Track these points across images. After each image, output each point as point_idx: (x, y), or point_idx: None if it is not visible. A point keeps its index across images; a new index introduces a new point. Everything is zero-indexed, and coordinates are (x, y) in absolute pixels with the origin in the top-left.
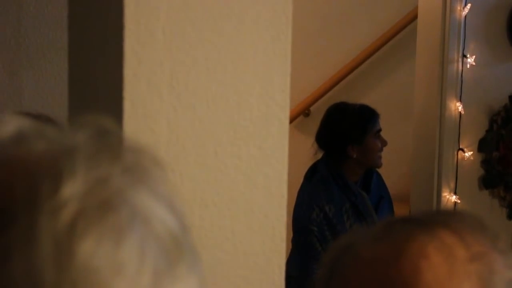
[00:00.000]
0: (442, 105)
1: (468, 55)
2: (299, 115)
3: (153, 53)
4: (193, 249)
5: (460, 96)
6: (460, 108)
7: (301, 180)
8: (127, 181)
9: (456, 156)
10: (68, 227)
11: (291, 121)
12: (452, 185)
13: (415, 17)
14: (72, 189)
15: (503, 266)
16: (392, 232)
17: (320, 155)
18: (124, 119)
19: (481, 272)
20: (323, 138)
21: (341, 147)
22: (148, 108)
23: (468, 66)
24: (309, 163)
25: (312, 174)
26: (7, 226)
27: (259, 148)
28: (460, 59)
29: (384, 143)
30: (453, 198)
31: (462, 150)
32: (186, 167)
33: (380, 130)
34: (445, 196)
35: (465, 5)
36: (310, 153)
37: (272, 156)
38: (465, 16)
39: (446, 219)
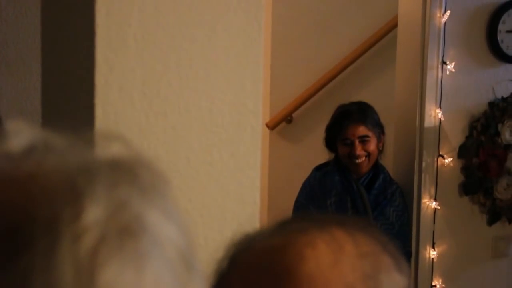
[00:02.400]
0: (422, 112)
1: (447, 62)
2: (281, 122)
3: (125, 60)
4: (199, 267)
5: (440, 103)
6: (440, 115)
7: (284, 185)
8: (144, 204)
9: (436, 163)
10: (90, 254)
11: (273, 127)
12: (432, 191)
13: (396, 25)
14: (94, 214)
15: (389, 268)
16: (287, 227)
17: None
18: (95, 126)
19: (367, 269)
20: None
21: (328, 147)
22: (119, 114)
23: (448, 72)
24: (292, 169)
25: (324, 166)
26: (25, 250)
27: (232, 155)
28: (439, 66)
29: (354, 151)
30: (433, 204)
31: (442, 156)
32: None
33: (347, 138)
34: (425, 203)
35: (445, 11)
36: (292, 159)
37: (244, 163)
38: (445, 23)
39: (342, 220)
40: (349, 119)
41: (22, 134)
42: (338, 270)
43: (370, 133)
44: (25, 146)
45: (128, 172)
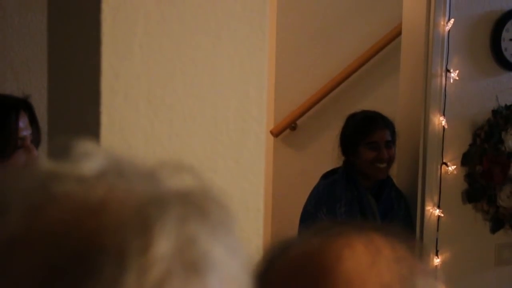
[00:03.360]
0: (425, 119)
1: (451, 70)
2: (285, 129)
3: (130, 67)
4: None
5: (444, 111)
6: (443, 122)
7: (288, 192)
8: (213, 241)
9: (439, 170)
10: (155, 287)
11: (277, 134)
12: (436, 199)
13: (400, 32)
14: (162, 248)
15: (424, 272)
16: (325, 231)
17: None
18: (101, 133)
19: (403, 272)
20: (339, 140)
21: (345, 153)
22: (125, 122)
23: (452, 80)
24: (297, 176)
25: (331, 174)
26: (92, 277)
27: (236, 162)
28: (443, 74)
29: (383, 155)
30: (437, 212)
31: (446, 164)
32: None
33: (375, 142)
34: (428, 210)
35: (449, 20)
36: (296, 166)
37: (248, 170)
38: (449, 31)
39: (379, 227)
40: (375, 123)
41: (95, 157)
42: (375, 271)
43: (391, 139)
44: (98, 170)
45: (199, 207)
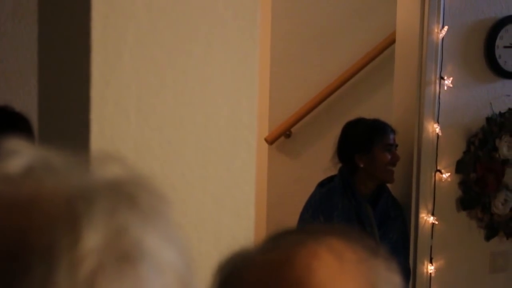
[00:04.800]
0: (419, 127)
1: (445, 77)
2: (280, 136)
3: (121, 76)
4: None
5: (438, 118)
6: (437, 130)
7: (283, 200)
8: (144, 230)
9: (433, 178)
10: (87, 282)
11: (272, 142)
12: (430, 206)
13: (394, 40)
14: (92, 241)
15: (385, 270)
16: (281, 241)
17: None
18: (91, 141)
19: (368, 272)
20: (337, 147)
21: (349, 156)
22: (115, 130)
23: (446, 88)
24: (291, 184)
25: (327, 182)
26: (23, 276)
27: (227, 169)
28: (437, 81)
29: (396, 158)
30: (431, 219)
31: (440, 171)
32: None
33: (391, 144)
34: (422, 217)
35: (443, 27)
36: (291, 174)
37: (240, 177)
38: (443, 38)
39: (330, 230)
40: (389, 127)
41: (21, 154)
42: (346, 277)
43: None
44: (24, 167)
45: (128, 196)
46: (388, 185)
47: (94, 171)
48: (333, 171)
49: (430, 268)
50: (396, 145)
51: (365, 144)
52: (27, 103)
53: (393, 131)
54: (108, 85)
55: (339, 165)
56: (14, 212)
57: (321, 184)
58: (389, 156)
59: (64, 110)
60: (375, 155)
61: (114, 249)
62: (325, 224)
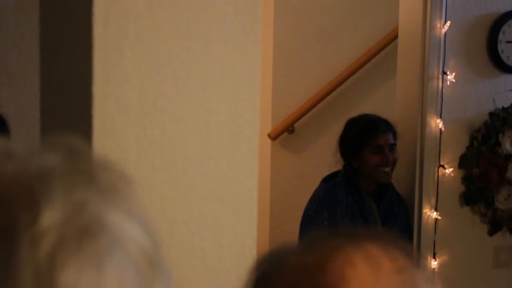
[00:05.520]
0: (422, 122)
1: (448, 72)
2: (283, 132)
3: (122, 71)
4: (165, 266)
5: (441, 113)
6: (440, 125)
7: (286, 196)
8: (103, 205)
9: (436, 173)
10: (48, 257)
11: (275, 138)
12: (433, 201)
13: (396, 35)
14: (50, 217)
15: (423, 280)
16: (319, 243)
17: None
18: (93, 137)
19: (405, 283)
20: (338, 145)
21: (346, 157)
22: (117, 125)
23: (448, 83)
24: (294, 179)
25: (331, 178)
26: None
27: (229, 165)
28: (440, 76)
29: (387, 159)
30: (434, 214)
31: (443, 166)
32: (155, 184)
33: (380, 146)
34: (426, 213)
35: (445, 22)
36: (294, 169)
37: (241, 173)
38: (445, 33)
39: (372, 234)
40: (379, 128)
41: None
42: (381, 287)
43: (395, 142)
44: None
45: (86, 175)
46: (392, 180)
47: (55, 155)
48: (336, 166)
49: (434, 264)
50: (392, 144)
51: (354, 147)
52: (29, 99)
53: (389, 130)
54: (110, 81)
55: (343, 161)
56: None
57: (325, 180)
58: (378, 158)
59: (66, 106)
60: (365, 158)
61: (73, 224)
62: (365, 228)
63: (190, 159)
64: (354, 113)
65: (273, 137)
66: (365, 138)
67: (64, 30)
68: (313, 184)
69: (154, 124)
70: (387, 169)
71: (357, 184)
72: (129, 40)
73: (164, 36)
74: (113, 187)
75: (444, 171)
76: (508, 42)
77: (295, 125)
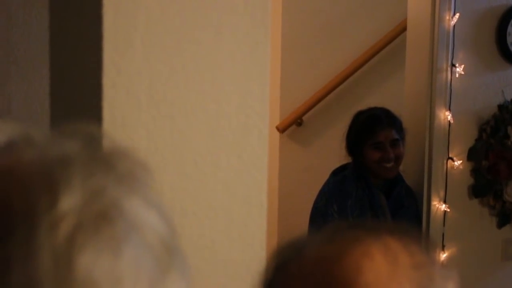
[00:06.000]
0: (431, 114)
1: (457, 64)
2: (291, 125)
3: (132, 63)
4: (182, 253)
5: (449, 105)
6: (449, 117)
7: (294, 188)
8: (121, 191)
9: (445, 165)
10: (66, 241)
11: (283, 130)
12: (442, 194)
13: (405, 28)
14: (69, 202)
15: (441, 277)
16: (339, 234)
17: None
18: (103, 129)
19: (422, 280)
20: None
21: (350, 152)
22: (127, 117)
23: (457, 75)
24: (302, 172)
25: (341, 170)
26: (5, 239)
27: (239, 157)
28: (449, 68)
29: (388, 155)
30: (443, 207)
31: (452, 159)
32: (165, 176)
33: (380, 142)
34: (434, 205)
35: (454, 14)
36: (302, 162)
37: (251, 165)
38: (454, 26)
39: (392, 228)
40: (380, 123)
41: (2, 130)
42: (396, 282)
43: (398, 137)
44: (5, 141)
45: (105, 162)
46: (401, 173)
47: (74, 142)
48: (346, 159)
49: (442, 256)
50: (395, 140)
51: (356, 142)
52: (38, 91)
53: (392, 126)
54: (120, 72)
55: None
56: None
57: (335, 173)
58: (379, 154)
59: (76, 98)
60: (366, 154)
61: (92, 209)
62: (387, 222)
63: (200, 151)
64: (362, 106)
65: (282, 129)
66: (365, 134)
67: (74, 22)
68: (321, 176)
69: (164, 116)
70: (388, 165)
71: (366, 177)
72: (139, 32)
73: (174, 27)
74: (131, 174)
75: (453, 163)
76: None
77: (304, 118)
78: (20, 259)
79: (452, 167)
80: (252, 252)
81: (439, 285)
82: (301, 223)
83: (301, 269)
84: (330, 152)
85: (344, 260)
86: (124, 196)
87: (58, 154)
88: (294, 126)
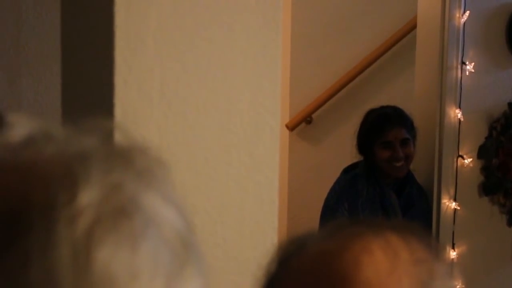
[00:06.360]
0: (441, 112)
1: (467, 62)
2: (301, 123)
3: (144, 60)
4: (198, 249)
5: (460, 103)
6: (459, 115)
7: (303, 186)
8: (139, 186)
9: (455, 163)
10: (85, 235)
11: (293, 128)
12: (452, 191)
13: (415, 25)
14: (88, 196)
15: (442, 274)
16: (341, 230)
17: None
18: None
19: (422, 276)
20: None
21: (360, 151)
22: (138, 114)
23: (467, 73)
24: (312, 170)
25: (352, 168)
26: (24, 233)
27: (250, 154)
28: (459, 66)
29: (398, 154)
30: (453, 205)
31: (462, 157)
32: (176, 174)
33: (389, 141)
34: (444, 203)
35: (464, 12)
36: (312, 160)
37: (263, 162)
38: (464, 23)
39: (395, 225)
40: (390, 122)
41: (22, 125)
42: (395, 278)
43: (409, 136)
44: (25, 136)
45: (123, 158)
46: (413, 172)
47: (93, 138)
48: (357, 157)
49: (452, 254)
50: (405, 139)
51: (366, 141)
52: (49, 89)
53: (402, 125)
54: (131, 70)
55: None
56: (12, 176)
57: (346, 171)
58: (388, 153)
59: (88, 95)
60: (376, 153)
61: (110, 204)
62: (391, 219)
63: (212, 148)
64: (372, 104)
65: (291, 127)
66: (375, 133)
67: (86, 20)
68: (331, 174)
69: (176, 113)
70: (398, 164)
71: (377, 175)
72: (151, 29)
73: (186, 25)
74: (149, 170)
75: (463, 161)
76: None
77: (313, 116)
78: (39, 252)
79: (462, 165)
80: (263, 249)
81: (439, 282)
82: (310, 221)
83: (301, 264)
84: (340, 150)
85: (344, 255)
86: (142, 191)
87: (77, 149)
88: (303, 124)
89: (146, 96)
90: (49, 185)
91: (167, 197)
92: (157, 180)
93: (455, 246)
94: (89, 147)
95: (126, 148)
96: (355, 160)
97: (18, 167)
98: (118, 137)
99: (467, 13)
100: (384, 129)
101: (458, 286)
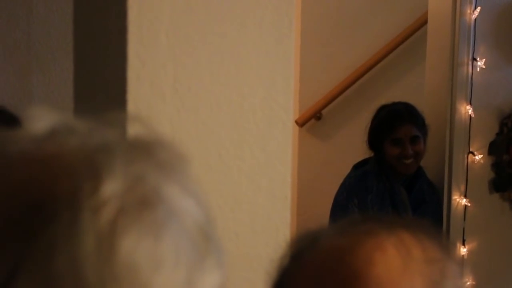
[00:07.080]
0: (452, 108)
1: (478, 58)
2: (310, 119)
3: (157, 56)
4: (218, 241)
5: (470, 99)
6: (470, 111)
7: (313, 183)
8: (161, 178)
9: (466, 159)
10: (109, 225)
11: (302, 124)
12: (463, 188)
13: (426, 21)
14: (111, 187)
15: (454, 274)
16: (354, 227)
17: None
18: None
19: (434, 275)
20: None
21: (371, 147)
22: (151, 110)
23: (478, 69)
24: (321, 166)
25: (362, 164)
26: (49, 223)
27: (263, 150)
28: (470, 62)
29: (407, 151)
30: (464, 201)
31: (472, 153)
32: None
33: (399, 138)
34: (455, 199)
35: (475, 8)
36: (322, 156)
37: (275, 158)
38: (475, 19)
39: (408, 223)
40: (400, 119)
41: (45, 118)
42: (407, 276)
43: (419, 133)
44: (48, 129)
45: (145, 150)
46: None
47: (115, 131)
48: (367, 153)
49: (463, 250)
50: (415, 136)
51: (376, 138)
52: (59, 85)
53: (412, 122)
54: (144, 65)
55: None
56: (37, 167)
57: (356, 167)
58: (397, 150)
59: (100, 90)
60: (385, 149)
61: (133, 195)
62: (407, 217)
63: (224, 144)
64: (382, 100)
65: (301, 123)
66: (384, 130)
67: (98, 15)
68: (341, 171)
69: (188, 109)
70: (407, 161)
71: (388, 172)
72: (164, 25)
73: (199, 20)
74: (170, 163)
75: (473, 157)
76: None
77: (323, 112)
78: (64, 242)
79: (473, 161)
80: (276, 245)
81: (451, 281)
82: (320, 217)
83: (314, 259)
84: (349, 146)
85: (356, 252)
86: (163, 183)
87: (100, 141)
88: (313, 120)
89: (159, 92)
90: (73, 176)
91: (187, 189)
92: (177, 173)
93: (466, 243)
94: (111, 139)
95: (147, 140)
96: (365, 156)
97: (43, 159)
98: (136, 130)
99: (478, 9)
100: (394, 126)
101: (468, 283)
